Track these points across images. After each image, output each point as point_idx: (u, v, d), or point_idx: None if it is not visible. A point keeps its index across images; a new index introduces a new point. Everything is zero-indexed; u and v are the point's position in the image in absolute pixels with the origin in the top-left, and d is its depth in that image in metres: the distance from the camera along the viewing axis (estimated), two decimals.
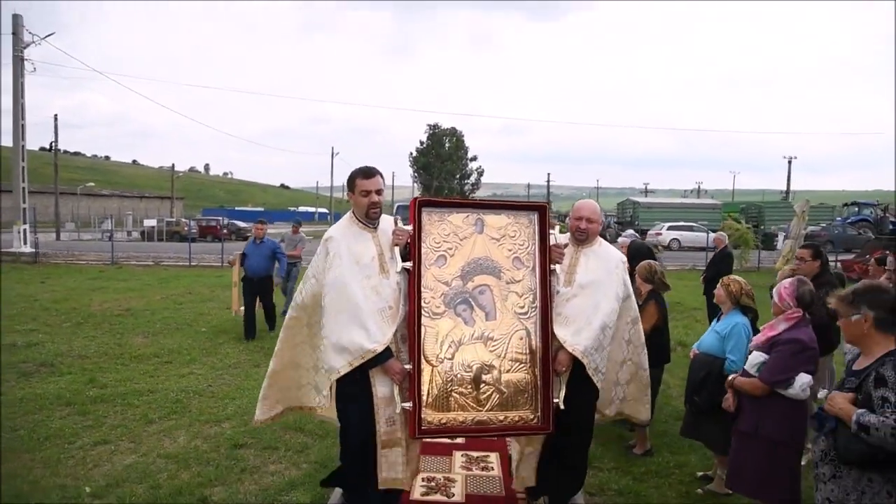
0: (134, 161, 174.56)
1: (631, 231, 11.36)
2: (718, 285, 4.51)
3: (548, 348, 3.49)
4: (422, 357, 3.34)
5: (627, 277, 3.89)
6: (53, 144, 43.15)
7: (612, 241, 8.49)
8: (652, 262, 5.49)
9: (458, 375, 3.38)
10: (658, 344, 5.20)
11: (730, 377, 3.92)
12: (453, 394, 3.38)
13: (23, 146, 23.57)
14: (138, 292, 14.39)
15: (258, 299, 9.68)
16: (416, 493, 4.17)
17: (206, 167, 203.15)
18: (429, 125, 78.50)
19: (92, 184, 66.15)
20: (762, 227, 33.39)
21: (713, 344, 4.34)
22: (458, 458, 4.79)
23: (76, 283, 15.85)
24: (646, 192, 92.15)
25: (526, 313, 3.52)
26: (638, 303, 5.15)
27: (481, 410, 3.42)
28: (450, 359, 3.38)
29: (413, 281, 3.34)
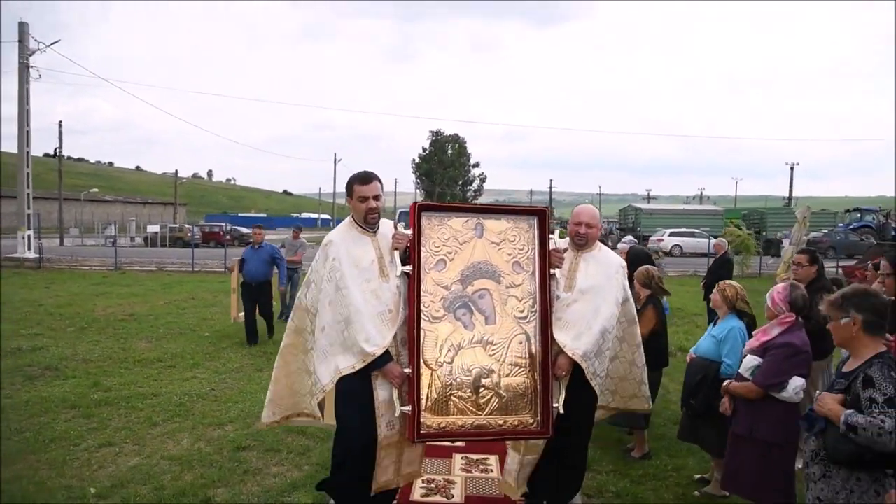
0: (137, 167, 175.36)
1: (630, 237, 11.43)
2: (714, 290, 4.58)
3: (547, 353, 3.47)
4: (421, 361, 3.32)
5: (626, 282, 3.93)
6: (58, 151, 43.43)
7: (614, 247, 8.55)
8: (650, 267, 5.56)
9: (458, 379, 3.37)
10: (657, 348, 5.26)
11: (725, 382, 3.99)
12: (453, 398, 3.37)
13: (27, 152, 23.74)
14: (142, 297, 14.48)
15: (257, 304, 9.64)
16: (416, 495, 4.24)
17: (210, 173, 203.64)
18: (431, 132, 78.91)
19: (95, 190, 66.44)
20: (764, 234, 33.43)
21: (709, 348, 4.41)
22: (458, 460, 4.85)
23: (80, 289, 15.96)
24: (648, 198, 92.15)
25: (525, 318, 3.51)
26: (636, 308, 5.22)
27: (481, 415, 3.39)
28: (449, 363, 3.37)
29: (413, 285, 3.34)
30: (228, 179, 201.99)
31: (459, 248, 3.49)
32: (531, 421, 3.47)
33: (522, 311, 3.52)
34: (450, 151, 78.09)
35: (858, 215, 37.08)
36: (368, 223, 3.49)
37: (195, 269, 21.91)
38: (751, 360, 3.74)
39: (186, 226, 44.73)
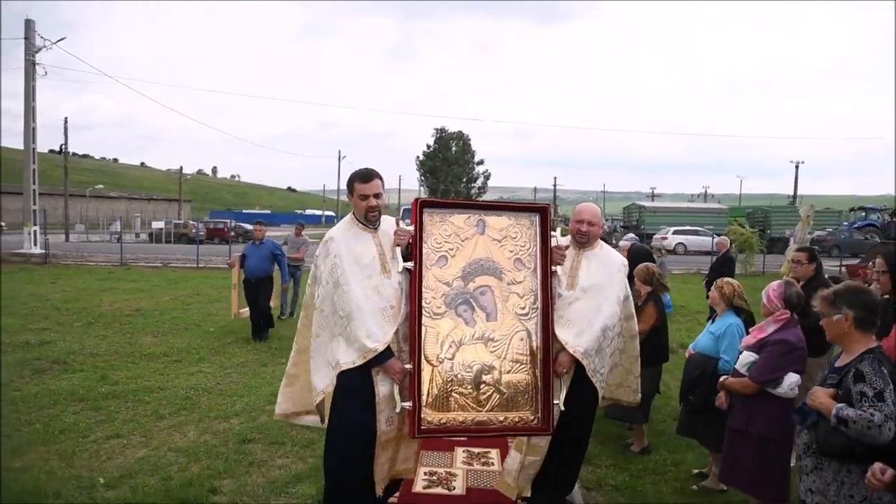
0: (142, 163, 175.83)
1: (632, 234, 11.47)
2: (712, 288, 4.64)
3: (548, 349, 3.48)
4: (422, 357, 3.33)
5: (626, 280, 3.97)
6: (63, 147, 43.57)
7: (618, 244, 8.60)
8: (649, 264, 5.62)
9: (459, 376, 3.38)
10: (657, 344, 5.33)
11: (722, 377, 4.05)
12: (453, 394, 3.38)
13: (33, 149, 23.88)
14: (147, 293, 14.59)
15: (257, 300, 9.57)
16: (419, 487, 4.31)
17: (214, 170, 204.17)
18: (436, 129, 78.95)
19: (101, 186, 66.76)
20: (769, 232, 33.38)
21: (708, 344, 4.47)
22: (460, 453, 4.93)
23: (86, 284, 16.08)
24: (652, 196, 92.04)
25: (527, 314, 3.51)
26: (637, 304, 5.28)
27: (481, 411, 3.41)
28: (450, 359, 3.38)
29: (414, 281, 3.34)
30: (233, 176, 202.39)
31: (461, 245, 3.50)
32: (532, 417, 3.48)
33: (524, 308, 3.52)
34: (454, 148, 78.13)
35: (863, 214, 37.02)
36: (369, 221, 3.48)
37: (200, 266, 22.02)
38: (747, 357, 3.80)
39: (191, 222, 44.85)
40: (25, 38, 23.69)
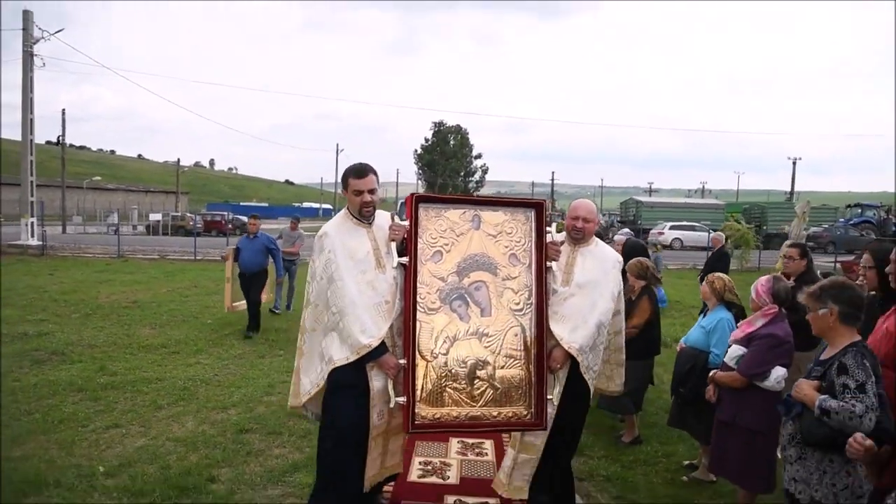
0: (139, 155, 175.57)
1: (627, 230, 11.54)
2: (704, 282, 4.71)
3: (542, 345, 3.48)
4: (416, 352, 3.34)
5: (620, 276, 3.98)
6: (61, 139, 43.51)
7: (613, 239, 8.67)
8: (642, 259, 5.68)
9: (453, 371, 3.39)
10: (650, 338, 5.41)
11: (711, 371, 4.12)
12: (447, 389, 3.38)
13: (31, 140, 23.86)
14: (145, 285, 14.64)
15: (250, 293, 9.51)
16: (413, 476, 4.39)
17: (212, 162, 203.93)
18: (434, 123, 78.77)
19: (98, 178, 66.62)
20: (765, 228, 33.49)
21: (699, 338, 4.54)
22: (454, 444, 5.00)
23: (83, 276, 16.10)
24: (650, 191, 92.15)
25: (521, 310, 3.51)
26: (631, 298, 5.36)
27: (475, 406, 3.41)
28: (444, 354, 3.39)
29: (409, 276, 3.34)
30: (230, 168, 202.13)
31: (456, 240, 3.50)
32: (525, 413, 3.48)
33: (518, 304, 3.53)
34: (452, 142, 78.03)
35: (859, 211, 37.11)
36: (364, 216, 3.46)
37: (197, 258, 22.06)
38: (735, 350, 3.87)
39: (188, 214, 44.83)
40: (23, 29, 23.64)
